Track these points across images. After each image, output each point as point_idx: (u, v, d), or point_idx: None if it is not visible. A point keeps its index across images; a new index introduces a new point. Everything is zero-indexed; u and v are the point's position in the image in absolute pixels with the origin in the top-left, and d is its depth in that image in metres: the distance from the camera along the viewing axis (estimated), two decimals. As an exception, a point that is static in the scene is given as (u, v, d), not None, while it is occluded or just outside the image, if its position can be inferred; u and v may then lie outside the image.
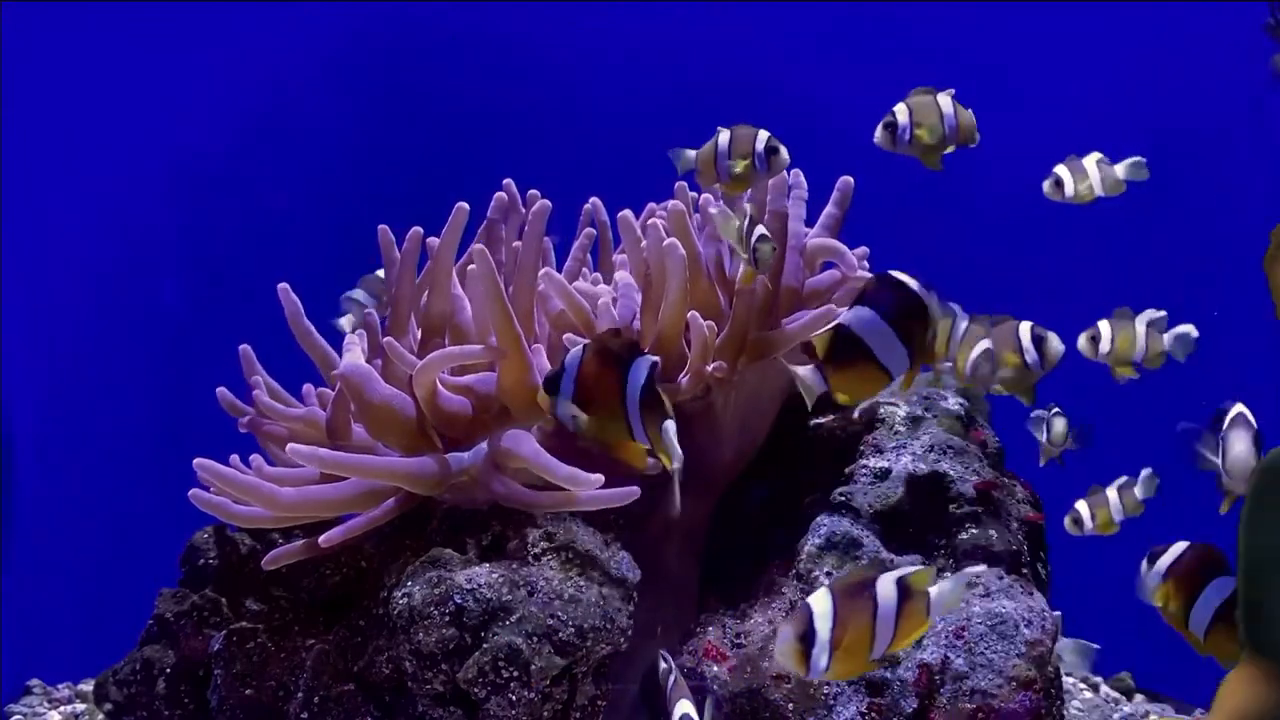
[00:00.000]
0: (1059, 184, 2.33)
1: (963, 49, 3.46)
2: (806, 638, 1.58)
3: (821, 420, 2.24)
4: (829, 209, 2.25)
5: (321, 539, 1.87)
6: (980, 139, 2.08)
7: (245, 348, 2.11)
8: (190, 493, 1.96)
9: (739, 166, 1.97)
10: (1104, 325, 2.26)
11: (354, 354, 1.97)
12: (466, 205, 2.05)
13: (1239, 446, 1.79)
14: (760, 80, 3.52)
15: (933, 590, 1.64)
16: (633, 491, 1.86)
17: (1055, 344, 2.02)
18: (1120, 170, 2.33)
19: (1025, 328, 2.03)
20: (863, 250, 2.22)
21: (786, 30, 3.58)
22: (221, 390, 2.11)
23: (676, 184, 2.21)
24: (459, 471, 1.90)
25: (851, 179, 2.23)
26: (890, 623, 1.61)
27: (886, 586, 1.61)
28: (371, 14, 3.54)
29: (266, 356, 2.15)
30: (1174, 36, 3.19)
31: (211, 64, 3.43)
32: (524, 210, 2.16)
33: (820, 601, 1.60)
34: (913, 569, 1.65)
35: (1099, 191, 2.32)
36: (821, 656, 1.58)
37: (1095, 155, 2.34)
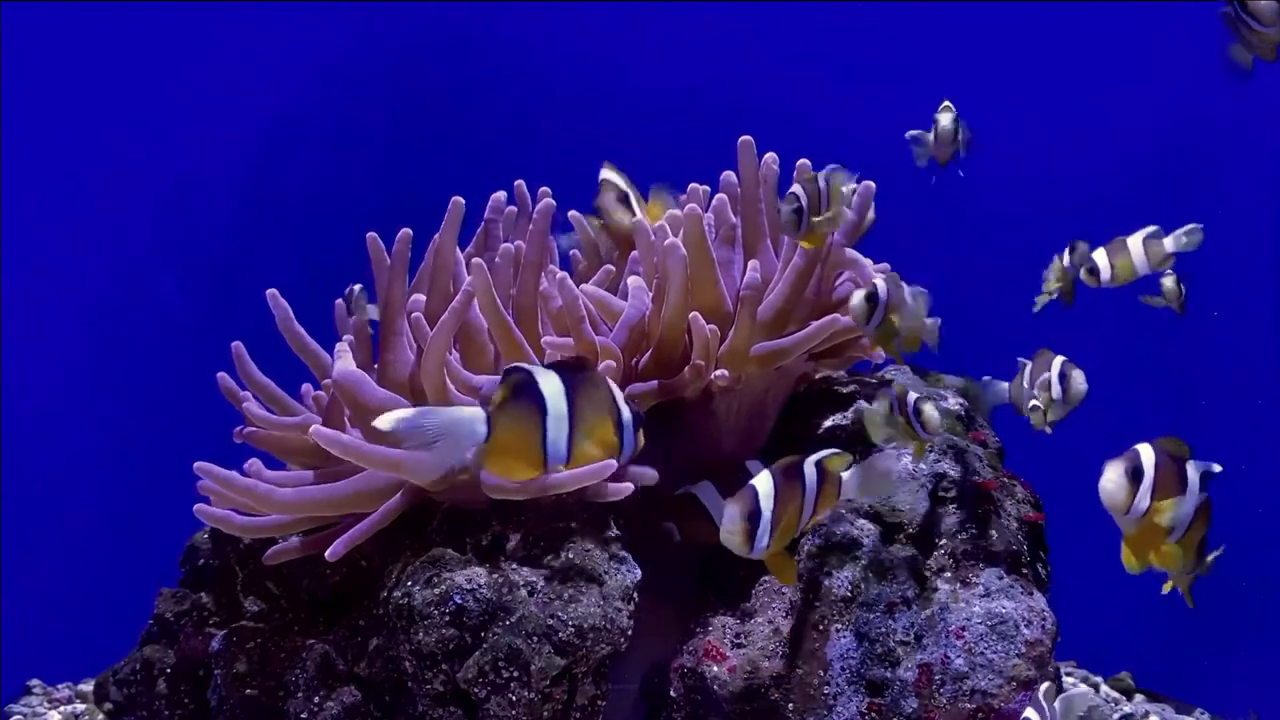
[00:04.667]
0: (1094, 271, 2.23)
1: (962, 49, 3.46)
2: (753, 517, 1.69)
3: (822, 421, 2.24)
4: (848, 215, 2.23)
5: (328, 553, 1.87)
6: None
7: (237, 345, 2.10)
8: (195, 508, 1.96)
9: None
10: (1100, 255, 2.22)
11: (345, 360, 1.98)
12: (462, 200, 2.05)
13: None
14: (762, 80, 3.52)
15: (844, 474, 1.78)
16: (608, 465, 1.80)
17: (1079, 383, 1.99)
18: (1169, 243, 2.20)
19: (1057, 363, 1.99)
20: (884, 265, 2.18)
21: (788, 30, 3.58)
22: (222, 375, 2.10)
23: (690, 186, 2.20)
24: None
25: (873, 184, 2.18)
26: (812, 501, 1.75)
27: (810, 469, 1.74)
28: (371, 15, 3.55)
29: (267, 357, 2.15)
30: (1173, 36, 3.19)
31: (211, 65, 3.43)
32: (530, 209, 2.16)
33: (764, 482, 1.70)
34: (829, 452, 1.77)
35: (1140, 270, 2.20)
36: (764, 535, 1.69)
37: (1145, 231, 2.20)
